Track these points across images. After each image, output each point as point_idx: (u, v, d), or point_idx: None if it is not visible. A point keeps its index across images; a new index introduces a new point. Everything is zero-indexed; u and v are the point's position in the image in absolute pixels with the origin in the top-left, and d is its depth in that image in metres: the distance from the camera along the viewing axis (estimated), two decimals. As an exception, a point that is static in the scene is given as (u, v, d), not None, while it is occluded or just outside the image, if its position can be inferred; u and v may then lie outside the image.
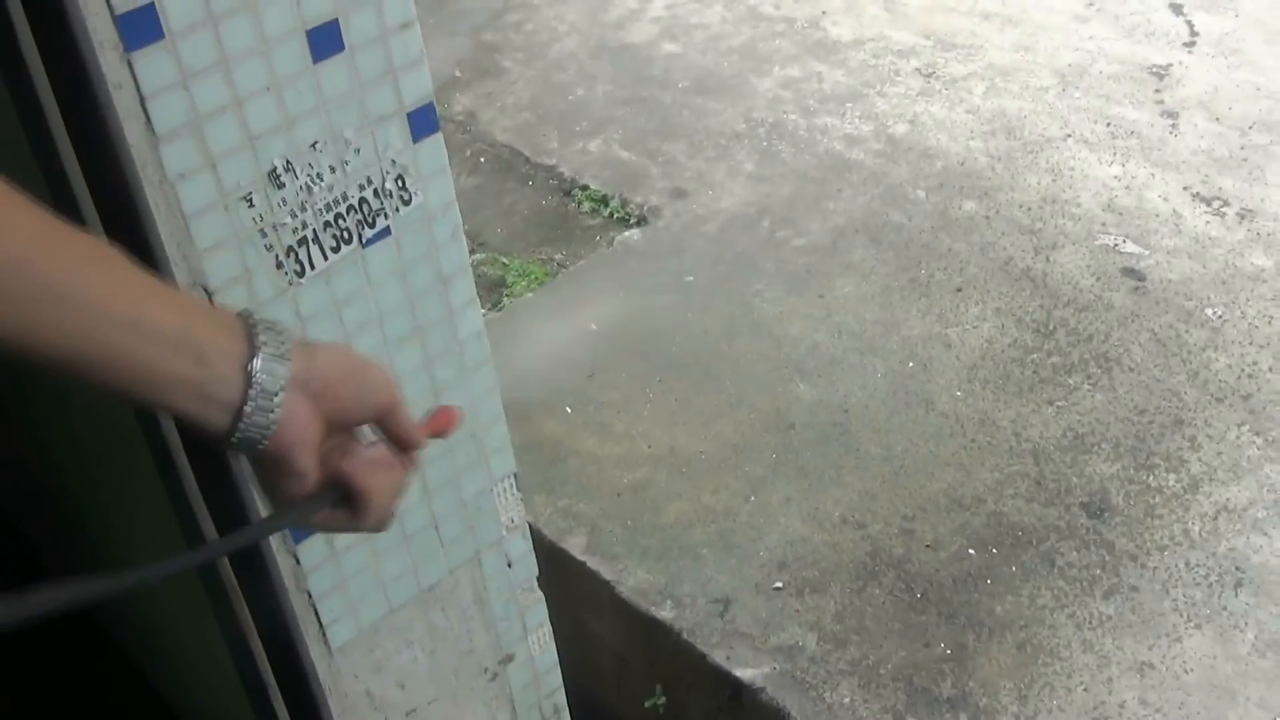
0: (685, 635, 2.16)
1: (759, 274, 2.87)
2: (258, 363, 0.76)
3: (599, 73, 3.70)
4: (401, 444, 0.87)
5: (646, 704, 2.33)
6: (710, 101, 3.49)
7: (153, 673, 2.03)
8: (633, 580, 2.25)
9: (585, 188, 3.25)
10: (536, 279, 2.97)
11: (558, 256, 3.04)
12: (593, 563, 2.28)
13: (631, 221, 3.11)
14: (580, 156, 3.36)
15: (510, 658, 1.59)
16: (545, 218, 3.19)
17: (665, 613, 2.19)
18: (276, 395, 0.76)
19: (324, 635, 1.37)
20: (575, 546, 2.30)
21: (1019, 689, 2.00)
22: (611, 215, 3.15)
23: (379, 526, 0.87)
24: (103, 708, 2.01)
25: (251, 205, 1.13)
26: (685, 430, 2.50)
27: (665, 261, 2.94)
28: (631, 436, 2.49)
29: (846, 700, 2.03)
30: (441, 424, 0.94)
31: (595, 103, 3.56)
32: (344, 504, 0.84)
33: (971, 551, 2.22)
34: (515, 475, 1.48)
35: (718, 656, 2.12)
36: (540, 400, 2.57)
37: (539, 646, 1.63)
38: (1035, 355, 2.58)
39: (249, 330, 0.77)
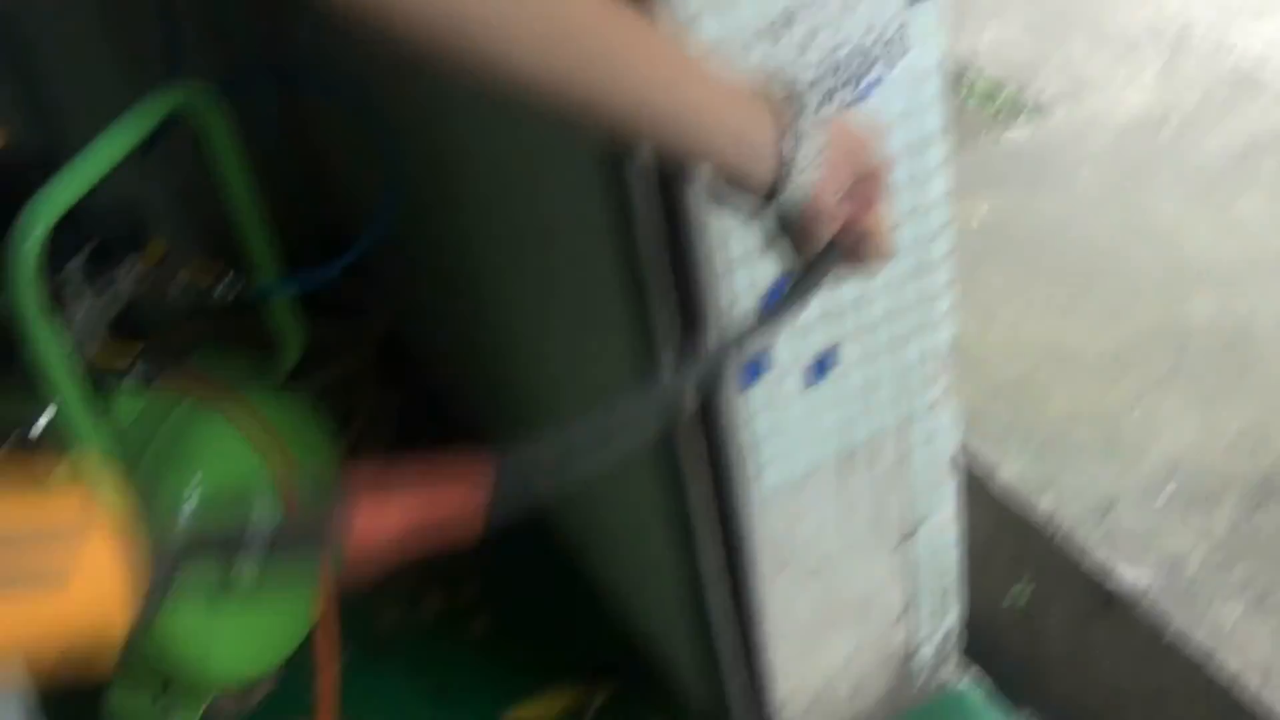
0: (1062, 533, 2.13)
1: (1156, 183, 2.76)
2: (791, 140, 0.83)
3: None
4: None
5: (1004, 601, 2.31)
6: (1112, 2, 3.36)
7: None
8: (1008, 472, 2.22)
9: (974, 78, 3.18)
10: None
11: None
12: (968, 451, 2.26)
13: (1021, 118, 3.03)
14: (971, 42, 3.28)
15: (916, 530, 1.61)
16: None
17: (1043, 508, 2.17)
18: (805, 170, 0.84)
19: (757, 479, 1.41)
20: (952, 433, 2.29)
21: None
22: (999, 111, 3.07)
23: (885, 261, 0.94)
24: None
25: (774, 43, 1.15)
26: (1072, 330, 2.45)
27: (1055, 162, 2.86)
28: (1016, 330, 2.45)
29: (1232, 621, 1.97)
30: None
31: (989, -9, 3.47)
32: (850, 252, 0.91)
33: (1377, 484, 2.11)
34: (951, 346, 1.48)
35: (1096, 558, 2.09)
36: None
37: (945, 524, 1.64)
38: None
39: (785, 107, 0.84)
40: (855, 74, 1.22)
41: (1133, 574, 2.05)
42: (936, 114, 1.29)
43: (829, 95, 1.21)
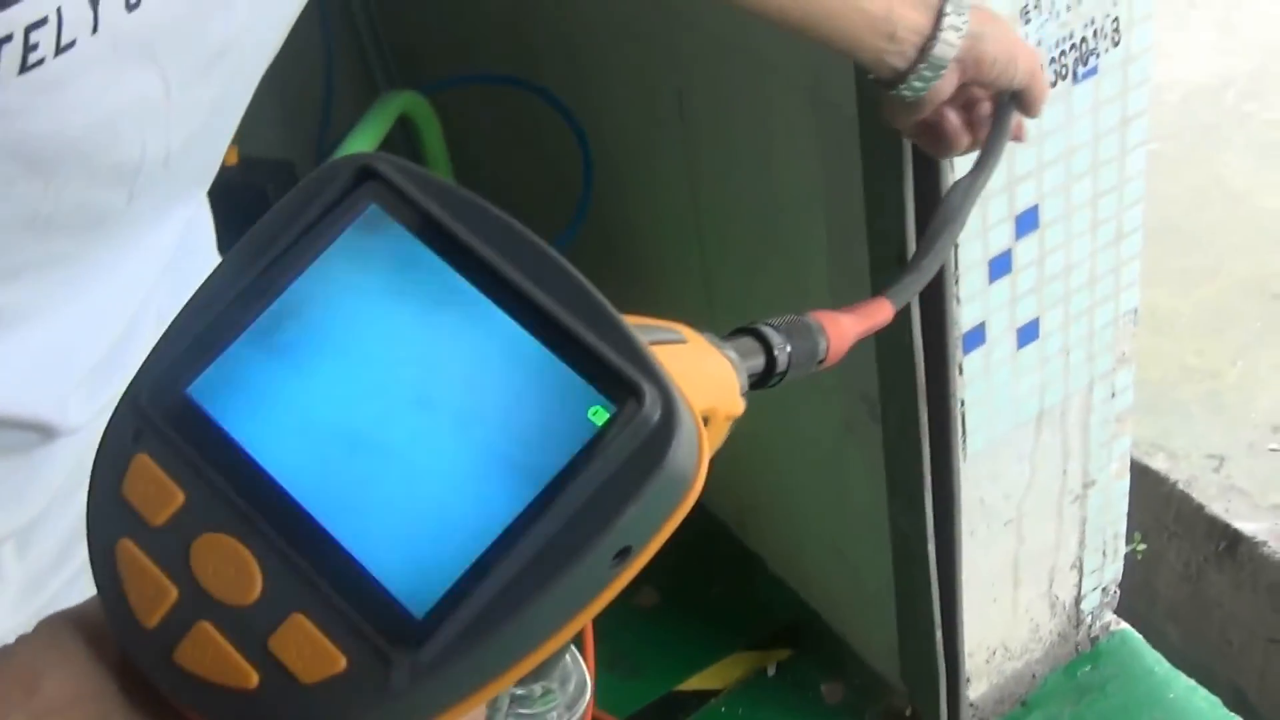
0: (1181, 486, 2.24)
1: (1227, 146, 2.87)
2: (937, 40, 0.89)
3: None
4: (1034, 103, 0.99)
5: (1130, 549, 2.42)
6: (1159, -30, 3.46)
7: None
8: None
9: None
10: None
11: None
12: (1081, 412, 2.37)
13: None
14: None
15: (1093, 483, 1.71)
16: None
17: (1158, 463, 2.27)
18: (940, 70, 0.90)
19: (964, 442, 1.51)
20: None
21: None
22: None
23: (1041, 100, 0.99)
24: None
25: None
26: (1163, 291, 2.55)
27: (1125, 128, 2.96)
28: (1111, 295, 2.56)
29: (1352, 560, 2.09)
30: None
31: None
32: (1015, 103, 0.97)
33: None
34: (1135, 311, 1.58)
35: (1215, 508, 2.20)
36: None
37: (1117, 475, 1.74)
38: None
39: (939, 6, 0.89)
40: (1074, 64, 1.32)
41: (1250, 525, 2.16)
42: (1143, 95, 1.39)
43: (1055, 79, 1.31)
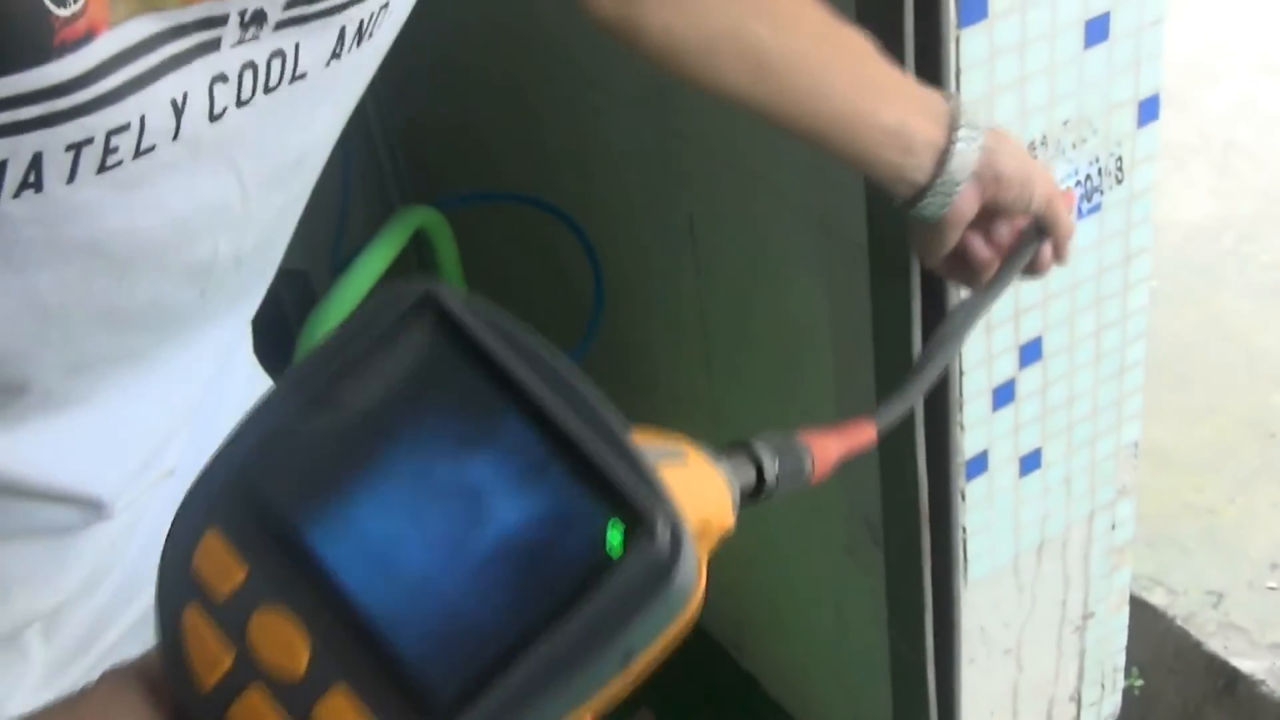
0: (1179, 622, 2.24)
1: (1226, 286, 2.91)
2: (953, 154, 0.91)
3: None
4: (1058, 242, 1.01)
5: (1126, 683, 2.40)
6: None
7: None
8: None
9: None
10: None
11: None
12: (1080, 545, 2.37)
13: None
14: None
15: (1093, 615, 1.71)
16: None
17: (1157, 599, 2.27)
18: (959, 185, 0.92)
19: (965, 569, 1.52)
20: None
21: None
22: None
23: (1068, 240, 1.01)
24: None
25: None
26: (1162, 427, 2.57)
27: (1125, 266, 3.00)
28: (1111, 430, 2.58)
29: (1351, 702, 2.08)
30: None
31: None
32: (1040, 239, 0.98)
33: None
34: (1136, 444, 1.60)
35: (1214, 646, 2.20)
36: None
37: (1116, 607, 1.75)
38: None
39: (953, 121, 0.92)
40: (1078, 200, 1.35)
41: (1248, 663, 2.16)
42: (1146, 232, 1.42)
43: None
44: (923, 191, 0.92)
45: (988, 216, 0.97)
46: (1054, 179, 1.00)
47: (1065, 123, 1.29)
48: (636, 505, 0.37)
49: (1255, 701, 2.14)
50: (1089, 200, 1.36)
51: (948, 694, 1.60)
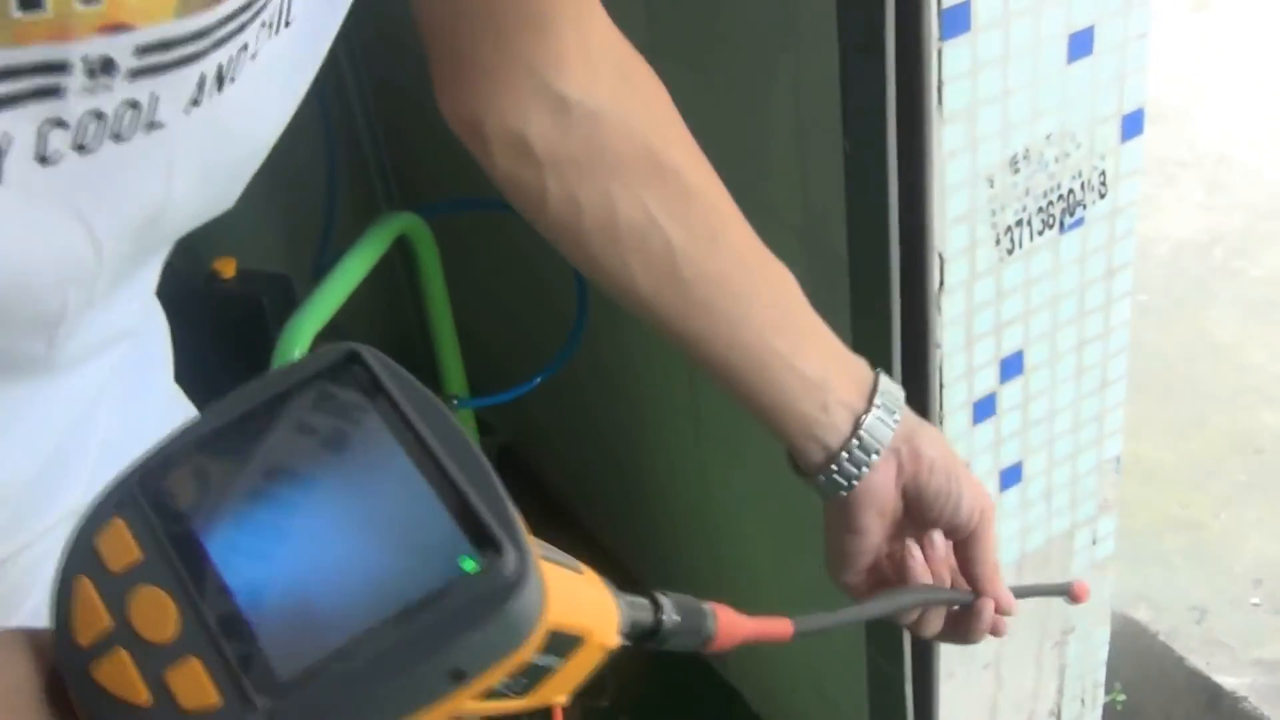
0: (1162, 637, 2.23)
1: (1214, 301, 2.91)
2: (867, 420, 0.82)
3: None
4: (973, 579, 0.88)
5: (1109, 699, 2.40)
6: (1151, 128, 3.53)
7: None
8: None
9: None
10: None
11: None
12: (1064, 559, 2.37)
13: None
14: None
15: (1073, 630, 1.71)
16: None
17: (1140, 614, 2.27)
18: (872, 455, 0.82)
19: (945, 583, 1.51)
20: (1049, 542, 2.40)
21: None
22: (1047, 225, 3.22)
23: (970, 640, 0.90)
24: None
25: (992, 186, 1.28)
26: (1149, 443, 2.57)
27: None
28: (1097, 444, 2.58)
29: (1333, 719, 2.07)
30: (1076, 592, 0.99)
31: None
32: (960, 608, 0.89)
33: None
34: (1118, 459, 1.59)
35: (1197, 661, 2.19)
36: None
37: (1098, 624, 1.74)
38: None
39: (872, 388, 0.83)
40: (1060, 215, 1.35)
41: (1231, 679, 2.15)
42: (1129, 247, 1.42)
43: (1043, 228, 1.34)
44: (833, 455, 0.82)
45: (915, 523, 0.86)
46: (986, 492, 0.88)
47: (1048, 137, 1.29)
48: (489, 532, 0.42)
49: (1238, 717, 2.14)
50: (1071, 214, 1.36)
51: (926, 708, 1.59)
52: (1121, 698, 2.37)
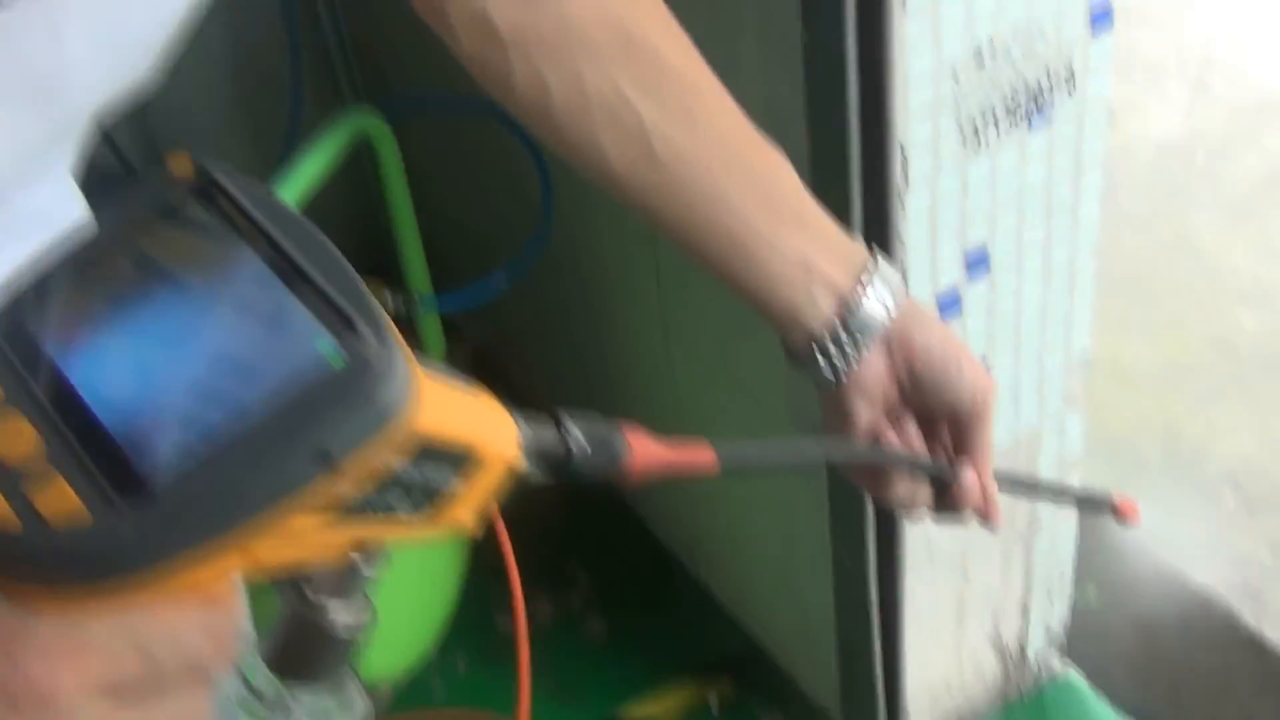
0: (1135, 536, 2.25)
1: (1195, 203, 2.90)
2: (857, 307, 0.80)
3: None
4: (979, 467, 0.86)
5: (1076, 603, 2.42)
6: (1137, 31, 3.50)
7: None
8: (1076, 483, 2.34)
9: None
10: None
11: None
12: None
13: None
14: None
15: (1040, 525, 1.72)
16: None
17: (1113, 514, 2.28)
18: (862, 344, 0.80)
19: (911, 479, 1.52)
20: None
21: None
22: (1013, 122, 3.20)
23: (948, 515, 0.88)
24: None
25: (956, 81, 1.26)
26: (1127, 345, 2.58)
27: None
28: (1074, 345, 2.58)
29: (1299, 615, 2.10)
30: (1124, 510, 0.99)
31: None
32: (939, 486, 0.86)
33: None
34: (1086, 358, 1.59)
35: (1168, 559, 2.21)
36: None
37: (1065, 519, 1.75)
38: None
39: (866, 272, 0.81)
40: (1027, 108, 1.33)
41: (1201, 575, 2.17)
42: (1098, 143, 1.41)
43: (1010, 123, 1.33)
44: (820, 344, 0.81)
45: (912, 409, 0.85)
46: (989, 377, 0.85)
47: (1014, 29, 1.27)
48: (348, 319, 0.42)
49: (1209, 614, 2.16)
50: (1039, 109, 1.35)
51: (891, 604, 1.61)
52: (1093, 594, 2.39)
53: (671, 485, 2.09)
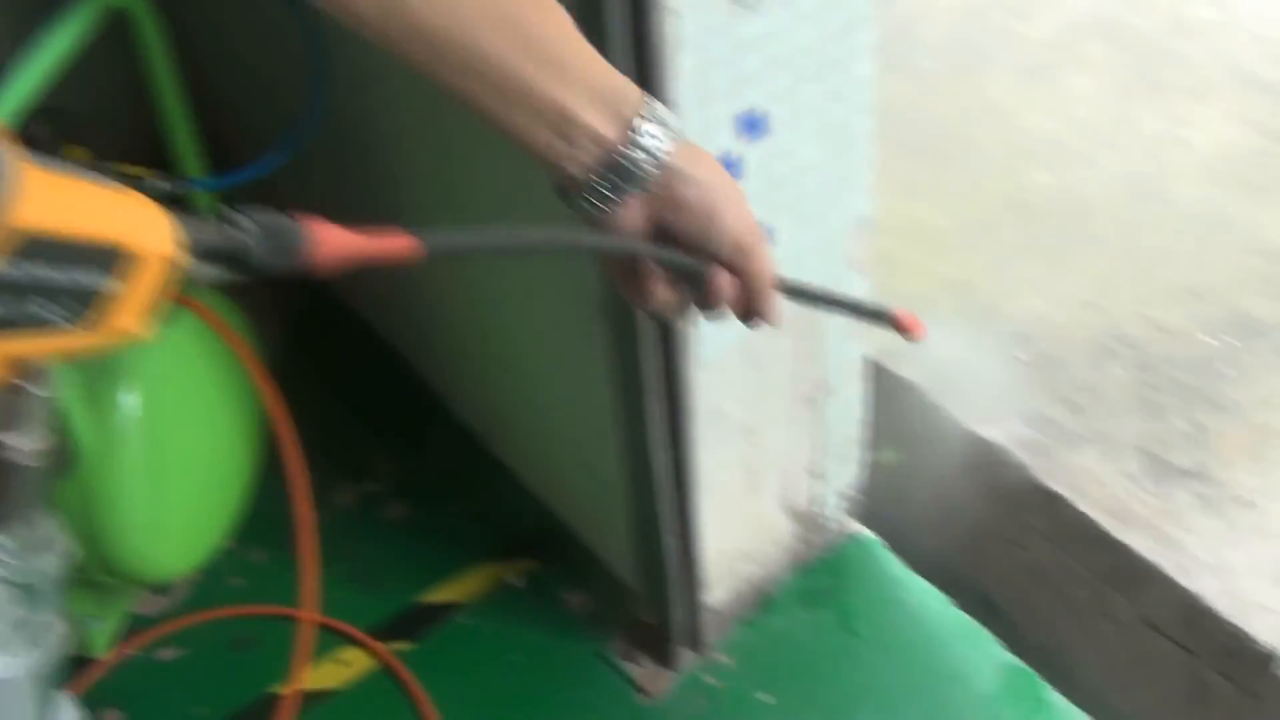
0: (931, 395, 2.28)
1: (992, 64, 2.92)
2: (621, 157, 0.81)
3: None
4: (750, 296, 0.88)
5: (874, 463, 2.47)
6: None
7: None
8: (869, 343, 2.37)
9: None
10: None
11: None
12: (839, 324, 2.40)
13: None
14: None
15: (829, 389, 1.73)
16: None
17: (908, 373, 2.31)
18: (622, 192, 0.83)
19: (699, 348, 1.50)
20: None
21: (1257, 466, 2.11)
22: None
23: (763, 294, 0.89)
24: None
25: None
26: (925, 206, 2.60)
27: (895, 48, 2.99)
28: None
29: (1086, 463, 2.15)
30: (905, 324, 1.00)
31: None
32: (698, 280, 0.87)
33: (1207, 339, 2.32)
34: (867, 216, 1.59)
35: (962, 417, 2.25)
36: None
37: (853, 385, 1.77)
38: (1274, 160, 2.64)
39: (634, 123, 0.81)
40: None
41: (993, 430, 2.22)
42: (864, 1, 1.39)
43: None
44: (579, 186, 0.83)
45: (679, 240, 0.86)
46: (754, 218, 0.86)
47: (777, -119, 1.24)
48: None
49: (1002, 468, 2.20)
50: (806, -34, 1.32)
51: (682, 474, 1.60)
52: (890, 455, 2.43)
53: (472, 366, 2.07)
